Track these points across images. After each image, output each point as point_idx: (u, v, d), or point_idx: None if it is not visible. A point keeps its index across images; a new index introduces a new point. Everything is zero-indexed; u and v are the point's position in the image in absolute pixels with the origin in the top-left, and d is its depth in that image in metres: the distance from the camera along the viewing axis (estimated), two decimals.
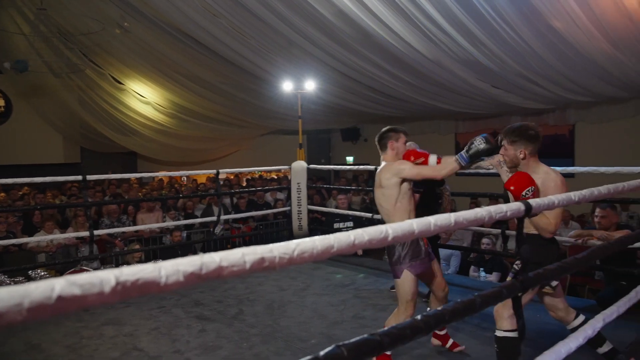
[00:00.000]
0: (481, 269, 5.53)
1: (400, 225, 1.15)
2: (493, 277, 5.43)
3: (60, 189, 10.67)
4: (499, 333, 2.54)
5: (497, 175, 4.92)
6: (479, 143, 2.89)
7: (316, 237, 1.00)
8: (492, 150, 2.87)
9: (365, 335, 1.13)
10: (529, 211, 1.58)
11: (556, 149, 10.73)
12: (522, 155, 2.62)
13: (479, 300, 1.41)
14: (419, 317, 1.25)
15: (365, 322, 3.91)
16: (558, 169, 4.47)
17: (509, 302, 2.42)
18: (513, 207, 1.52)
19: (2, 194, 9.32)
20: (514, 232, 3.71)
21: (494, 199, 6.23)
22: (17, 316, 0.63)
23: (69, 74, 10.52)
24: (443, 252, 5.98)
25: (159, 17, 8.41)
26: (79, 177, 5.21)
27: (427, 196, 3.83)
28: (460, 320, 1.38)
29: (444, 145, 11.95)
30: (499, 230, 5.03)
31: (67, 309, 0.68)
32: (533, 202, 1.60)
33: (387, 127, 3.11)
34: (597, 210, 4.21)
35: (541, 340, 3.43)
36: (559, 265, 1.77)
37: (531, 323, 3.75)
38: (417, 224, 1.18)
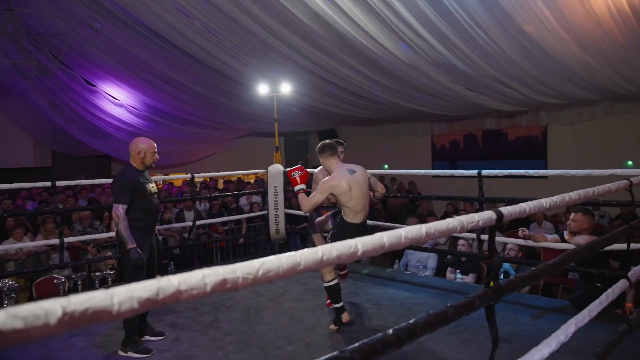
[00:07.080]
0: (457, 270, 5.56)
1: (370, 239, 1.13)
2: (469, 278, 5.47)
3: (30, 194, 10.39)
4: (325, 285, 3.81)
5: (473, 178, 4.98)
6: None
7: (282, 255, 0.97)
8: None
9: (335, 353, 1.10)
10: (501, 219, 1.58)
11: (529, 151, 10.92)
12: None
13: (452, 312, 1.39)
14: (390, 331, 1.23)
15: (342, 328, 3.89)
16: (531, 172, 4.55)
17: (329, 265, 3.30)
18: (485, 216, 1.51)
19: None
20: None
21: (469, 202, 6.26)
22: None
23: (38, 76, 10.25)
24: (420, 254, 6.00)
25: (131, 18, 8.26)
26: (48, 184, 5.05)
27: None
28: (432, 332, 1.36)
29: (420, 147, 12.04)
30: (473, 235, 5.07)
31: (8, 343, 0.63)
32: (504, 210, 1.60)
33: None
34: (572, 213, 4.26)
35: (515, 341, 3.46)
36: (531, 272, 1.77)
37: (505, 324, 3.80)
38: (388, 238, 1.16)
